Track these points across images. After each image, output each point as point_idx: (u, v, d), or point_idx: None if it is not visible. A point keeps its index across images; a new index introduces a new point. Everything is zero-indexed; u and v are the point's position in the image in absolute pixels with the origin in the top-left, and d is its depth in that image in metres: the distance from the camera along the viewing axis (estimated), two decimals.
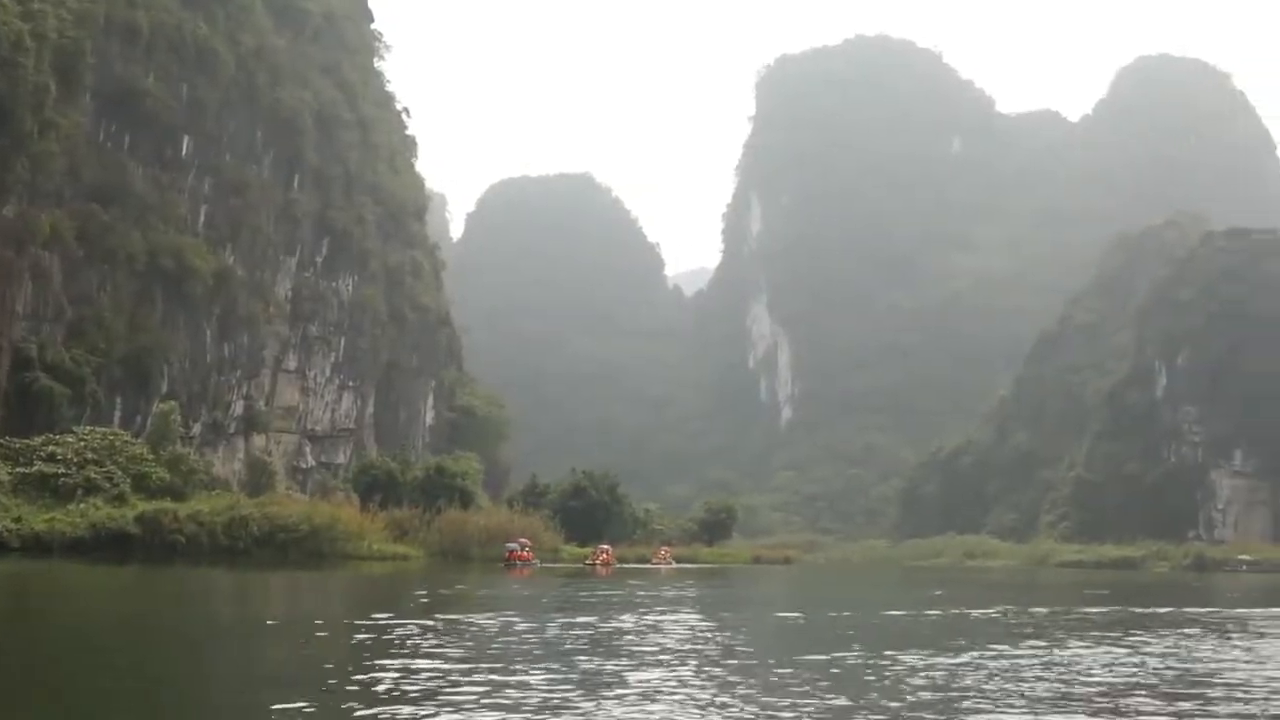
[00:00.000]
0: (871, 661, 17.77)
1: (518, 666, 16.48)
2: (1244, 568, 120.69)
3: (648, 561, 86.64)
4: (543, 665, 16.75)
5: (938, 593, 49.39)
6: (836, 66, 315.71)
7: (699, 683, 15.00)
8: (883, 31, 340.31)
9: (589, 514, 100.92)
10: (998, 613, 32.66)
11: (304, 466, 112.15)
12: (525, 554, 70.17)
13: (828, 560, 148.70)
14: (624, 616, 26.79)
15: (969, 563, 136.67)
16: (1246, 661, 18.66)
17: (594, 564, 74.34)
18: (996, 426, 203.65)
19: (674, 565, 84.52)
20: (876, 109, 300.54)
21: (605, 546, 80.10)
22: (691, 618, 27.26)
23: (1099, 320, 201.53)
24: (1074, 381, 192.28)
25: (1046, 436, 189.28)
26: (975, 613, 33.14)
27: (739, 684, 15.13)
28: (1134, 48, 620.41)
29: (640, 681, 14.89)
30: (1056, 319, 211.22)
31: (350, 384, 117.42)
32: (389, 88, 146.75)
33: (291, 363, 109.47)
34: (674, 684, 14.72)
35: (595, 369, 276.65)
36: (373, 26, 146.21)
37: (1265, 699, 14.46)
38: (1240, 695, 14.79)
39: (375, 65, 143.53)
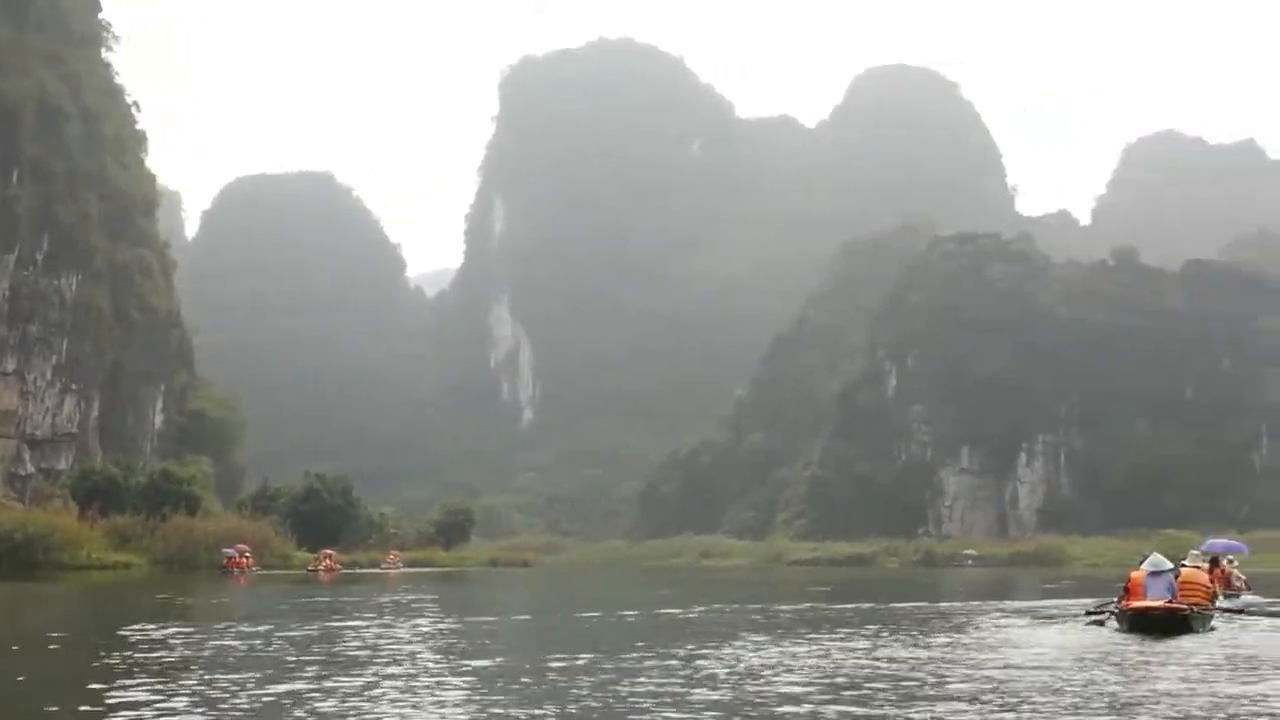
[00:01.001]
0: (552, 664, 17.33)
1: (221, 677, 15.51)
2: (969, 562, 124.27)
3: (378, 566, 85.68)
4: (246, 674, 15.95)
5: (665, 592, 49.54)
6: (580, 69, 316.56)
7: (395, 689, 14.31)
8: (626, 35, 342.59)
9: (322, 518, 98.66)
10: (699, 612, 32.51)
11: (22, 473, 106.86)
12: (244, 560, 68.61)
13: (568, 562, 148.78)
14: (331, 623, 25.83)
15: (705, 562, 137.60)
16: (928, 660, 18.56)
17: (317, 569, 72.96)
18: (734, 427, 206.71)
19: (403, 569, 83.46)
20: (619, 111, 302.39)
21: (329, 551, 78.67)
22: (396, 624, 26.48)
23: (833, 322, 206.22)
24: (810, 382, 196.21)
25: (783, 436, 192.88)
26: (677, 612, 32.90)
27: (429, 688, 14.55)
28: (868, 57, 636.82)
29: (337, 689, 14.15)
30: (794, 321, 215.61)
31: (73, 387, 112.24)
32: (118, 80, 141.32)
33: (10, 365, 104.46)
34: (368, 692, 14.08)
35: (335, 371, 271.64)
36: (101, 16, 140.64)
37: (932, 700, 14.13)
38: (910, 695, 14.63)
39: (103, 56, 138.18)
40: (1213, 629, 23.76)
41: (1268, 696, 14.34)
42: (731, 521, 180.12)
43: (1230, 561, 39.19)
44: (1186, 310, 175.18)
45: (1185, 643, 20.83)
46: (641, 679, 15.44)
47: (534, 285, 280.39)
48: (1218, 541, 46.50)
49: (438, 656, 18.69)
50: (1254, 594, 38.97)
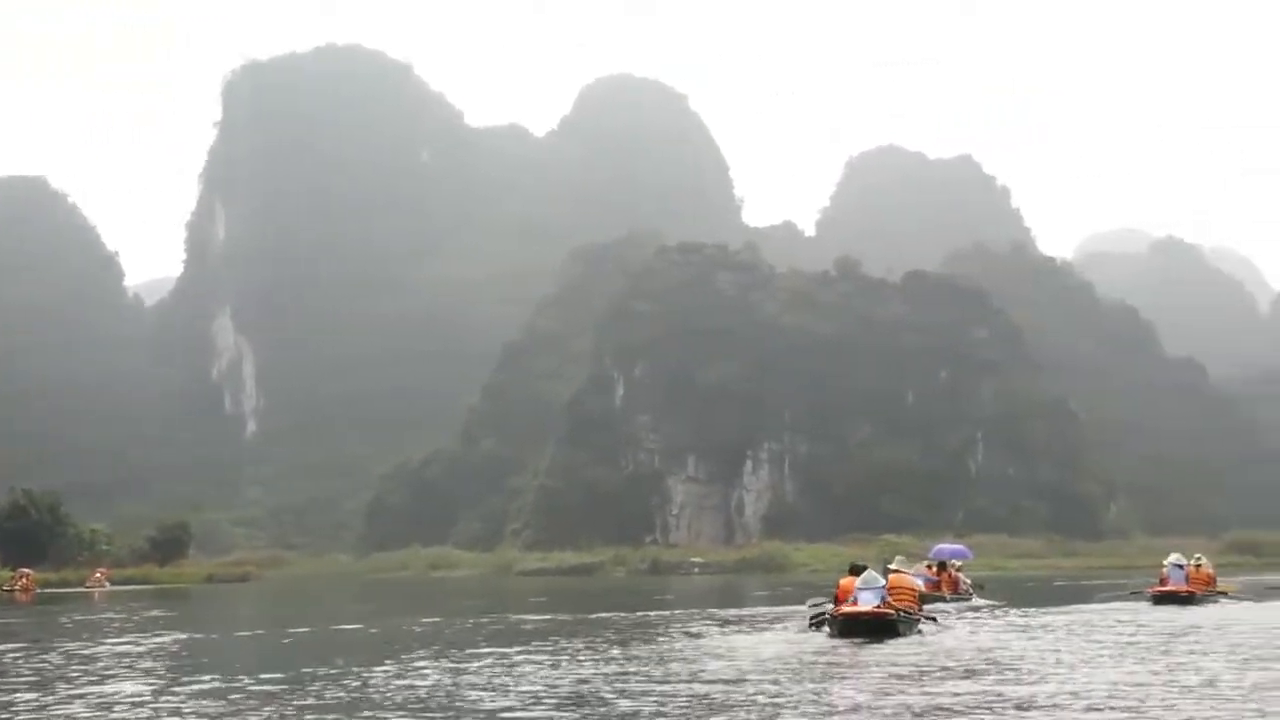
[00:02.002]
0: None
1: None
2: (695, 570, 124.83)
3: (83, 584, 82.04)
4: None
5: (361, 607, 48.53)
6: (305, 73, 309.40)
7: None
8: (354, 41, 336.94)
9: (30, 536, 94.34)
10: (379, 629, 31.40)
11: None
12: None
13: (291, 576, 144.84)
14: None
15: (434, 574, 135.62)
16: (617, 674, 17.82)
17: (14, 589, 69.52)
18: (465, 436, 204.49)
19: (109, 588, 79.99)
20: (346, 118, 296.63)
21: (26, 570, 74.83)
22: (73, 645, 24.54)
23: (563, 330, 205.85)
24: (540, 390, 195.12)
25: (514, 445, 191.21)
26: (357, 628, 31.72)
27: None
28: (597, 67, 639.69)
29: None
30: (524, 329, 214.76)
31: None
32: None
33: None
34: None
35: (49, 385, 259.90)
36: None
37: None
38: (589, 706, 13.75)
39: None
40: (919, 632, 24.40)
41: (943, 703, 14.13)
42: (461, 532, 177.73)
43: (957, 566, 41.29)
44: (907, 320, 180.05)
45: (889, 647, 21.36)
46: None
47: (257, 294, 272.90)
48: (945, 547, 48.73)
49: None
50: (982, 597, 40.29)
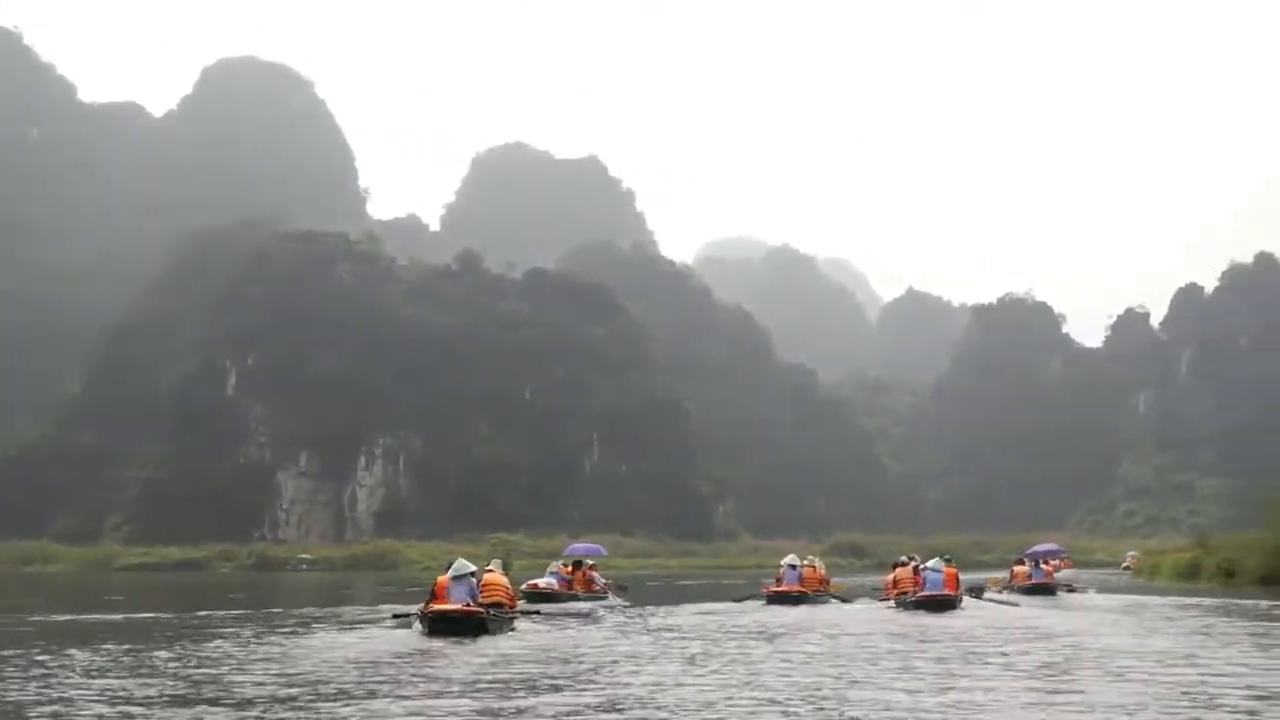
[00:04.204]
0: None
1: None
2: (304, 566, 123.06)
3: None
4: None
5: None
6: None
7: None
8: None
9: None
10: None
11: None
12: None
13: None
14: None
15: (27, 569, 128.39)
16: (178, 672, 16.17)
17: None
18: (64, 422, 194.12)
19: None
20: None
21: None
22: None
23: (172, 315, 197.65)
24: (146, 376, 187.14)
25: (117, 433, 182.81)
26: None
27: None
28: (221, 47, 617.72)
29: None
30: (132, 311, 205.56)
31: None
32: None
33: None
34: None
35: None
36: None
37: None
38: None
39: None
40: (513, 630, 25.07)
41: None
42: (59, 526, 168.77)
43: (591, 565, 41.93)
44: (527, 316, 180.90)
45: (483, 643, 21.91)
46: None
47: None
48: (579, 546, 49.55)
49: None
50: (621, 598, 41.64)
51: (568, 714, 13.25)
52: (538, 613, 28.01)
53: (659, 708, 13.56)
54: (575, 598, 38.04)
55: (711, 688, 15.28)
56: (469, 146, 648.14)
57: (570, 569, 40.92)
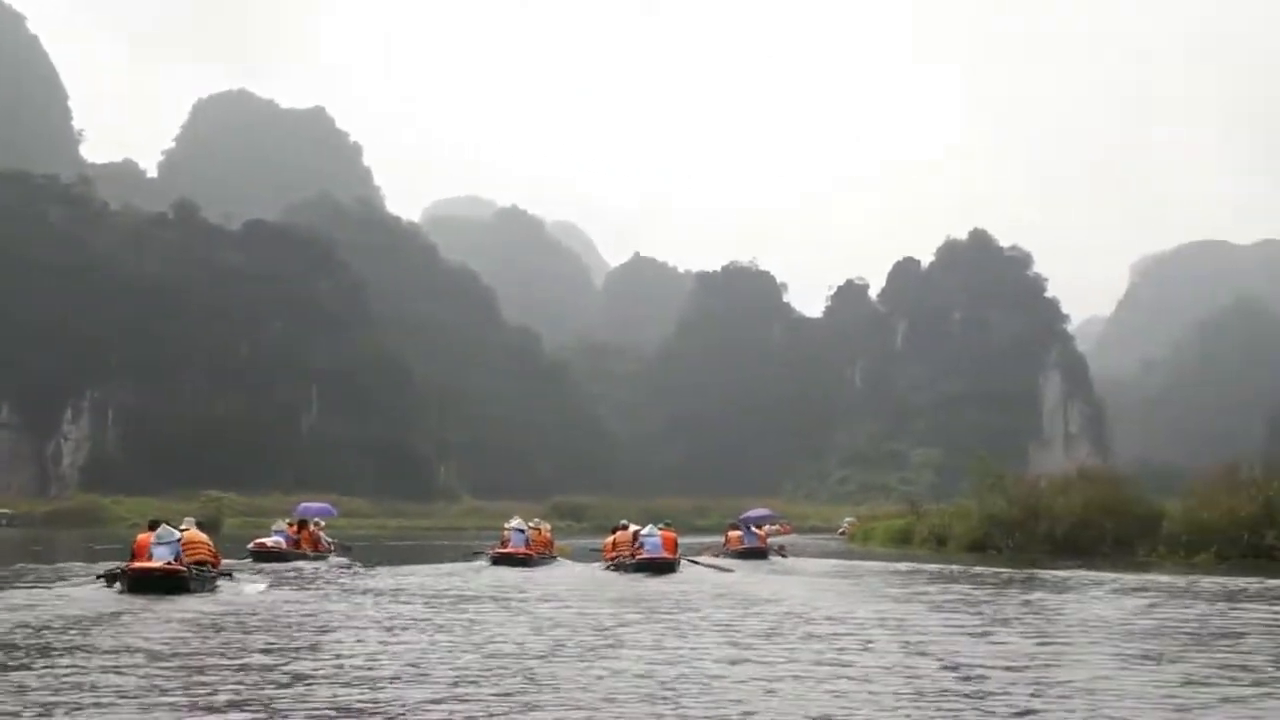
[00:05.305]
0: None
1: None
2: (4, 523, 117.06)
3: None
4: None
5: None
6: None
7: None
8: None
9: None
10: None
11: None
12: None
13: None
14: None
15: None
16: None
17: None
18: None
19: None
20: None
21: None
22: None
23: None
24: None
25: None
26: None
27: None
28: None
29: None
30: None
31: None
32: None
33: None
34: None
35: None
36: None
37: None
38: None
39: None
40: (217, 588, 24.55)
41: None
42: None
43: (318, 524, 42.76)
44: (244, 269, 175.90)
45: (183, 601, 21.48)
46: None
47: None
48: (310, 505, 50.05)
49: None
50: (344, 555, 42.06)
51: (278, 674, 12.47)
52: (230, 575, 26.53)
53: (371, 673, 12.76)
54: (303, 556, 38.15)
55: (432, 651, 14.56)
56: (192, 92, 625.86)
57: (296, 528, 40.82)
